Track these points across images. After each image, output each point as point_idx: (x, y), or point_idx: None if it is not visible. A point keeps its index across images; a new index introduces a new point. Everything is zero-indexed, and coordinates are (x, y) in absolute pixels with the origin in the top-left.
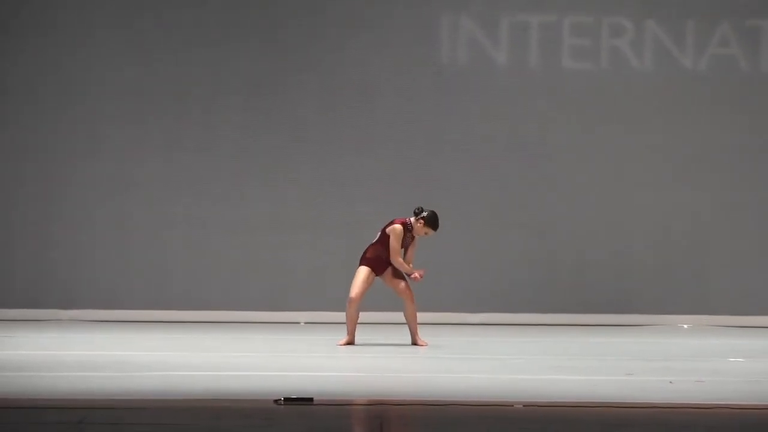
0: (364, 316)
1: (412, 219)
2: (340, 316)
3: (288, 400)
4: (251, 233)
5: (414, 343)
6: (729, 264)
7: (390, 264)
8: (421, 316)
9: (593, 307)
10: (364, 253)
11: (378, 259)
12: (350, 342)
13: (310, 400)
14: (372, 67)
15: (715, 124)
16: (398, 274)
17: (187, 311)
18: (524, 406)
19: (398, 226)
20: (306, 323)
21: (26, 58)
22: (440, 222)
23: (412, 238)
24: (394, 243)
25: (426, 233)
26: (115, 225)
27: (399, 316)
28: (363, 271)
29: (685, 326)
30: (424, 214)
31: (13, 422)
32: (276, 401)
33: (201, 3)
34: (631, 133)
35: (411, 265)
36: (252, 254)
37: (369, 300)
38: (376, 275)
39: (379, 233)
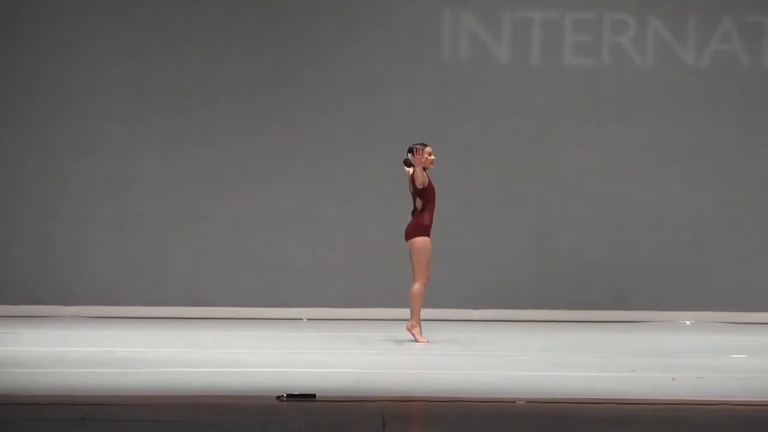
0: (365, 312)
1: (411, 169)
2: (342, 312)
3: (290, 397)
4: (251, 229)
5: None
6: (730, 260)
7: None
8: (423, 312)
9: (595, 303)
10: (414, 224)
11: (416, 227)
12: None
13: (313, 396)
14: (372, 63)
15: (716, 121)
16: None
17: (187, 308)
18: (526, 402)
19: (416, 172)
20: (308, 320)
21: (25, 56)
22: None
23: (422, 167)
24: (418, 176)
25: (425, 164)
26: (115, 222)
27: (401, 313)
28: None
29: (687, 323)
30: (409, 157)
31: (16, 419)
32: (278, 398)
33: (200, 0)
34: (632, 129)
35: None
36: (252, 251)
37: (368, 297)
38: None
39: (418, 201)
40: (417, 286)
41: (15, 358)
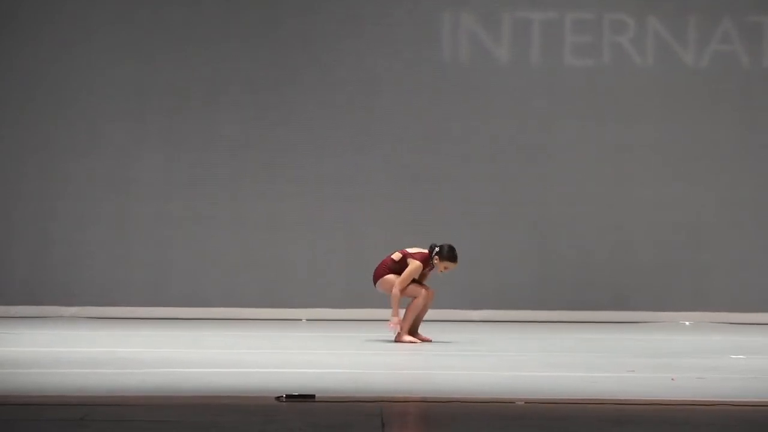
0: (365, 313)
1: (435, 259)
2: (341, 312)
3: (289, 397)
4: (251, 230)
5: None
6: (730, 261)
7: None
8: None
9: (594, 304)
10: (384, 266)
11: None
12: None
13: (312, 396)
14: (372, 64)
15: (716, 121)
16: (420, 282)
17: (187, 308)
18: (525, 402)
19: (418, 263)
20: (308, 320)
21: (25, 56)
22: (458, 254)
23: (431, 268)
24: (407, 276)
25: (446, 267)
26: (115, 222)
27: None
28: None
29: (686, 323)
30: (438, 249)
31: (15, 419)
32: (277, 398)
33: (200, 0)
34: (632, 129)
35: (425, 288)
36: (252, 251)
37: (368, 297)
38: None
39: (400, 255)
40: (417, 300)
41: (15, 359)
